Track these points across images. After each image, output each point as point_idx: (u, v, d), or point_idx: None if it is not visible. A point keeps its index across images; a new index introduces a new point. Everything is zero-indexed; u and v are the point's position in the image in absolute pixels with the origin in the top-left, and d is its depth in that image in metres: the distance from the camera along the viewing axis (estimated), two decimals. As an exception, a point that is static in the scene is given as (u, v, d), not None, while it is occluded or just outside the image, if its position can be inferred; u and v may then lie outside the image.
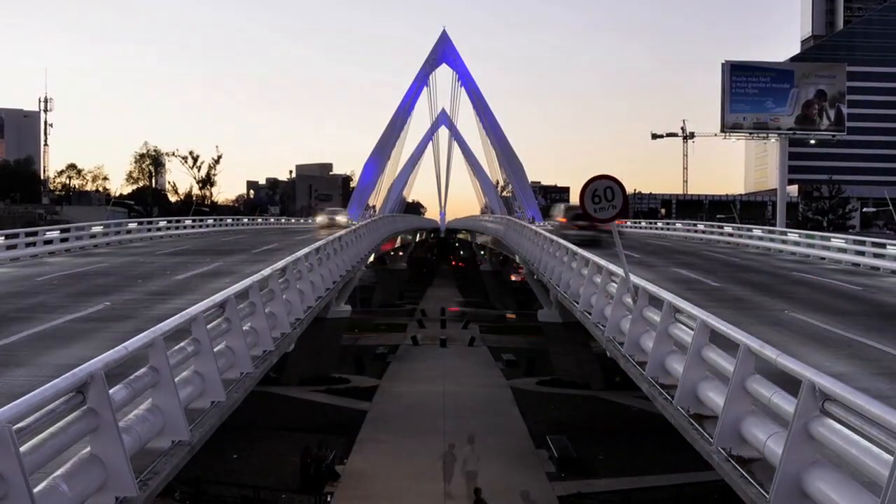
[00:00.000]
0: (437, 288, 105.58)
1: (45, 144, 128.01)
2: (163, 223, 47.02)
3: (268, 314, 14.63)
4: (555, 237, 27.79)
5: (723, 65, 70.50)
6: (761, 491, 7.76)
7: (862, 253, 29.71)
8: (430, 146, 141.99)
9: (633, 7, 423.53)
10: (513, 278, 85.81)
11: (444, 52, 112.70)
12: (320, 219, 60.27)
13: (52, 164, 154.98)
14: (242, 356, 12.39)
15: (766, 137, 73.48)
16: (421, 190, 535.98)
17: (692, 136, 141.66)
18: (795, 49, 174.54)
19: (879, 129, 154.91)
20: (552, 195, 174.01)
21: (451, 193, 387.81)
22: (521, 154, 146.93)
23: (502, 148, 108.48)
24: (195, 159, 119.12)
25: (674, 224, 58.17)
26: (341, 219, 57.21)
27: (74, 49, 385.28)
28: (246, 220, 69.60)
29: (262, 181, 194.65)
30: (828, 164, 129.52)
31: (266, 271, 15.70)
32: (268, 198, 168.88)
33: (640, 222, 65.66)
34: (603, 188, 13.52)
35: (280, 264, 17.19)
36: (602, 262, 18.10)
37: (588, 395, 37.04)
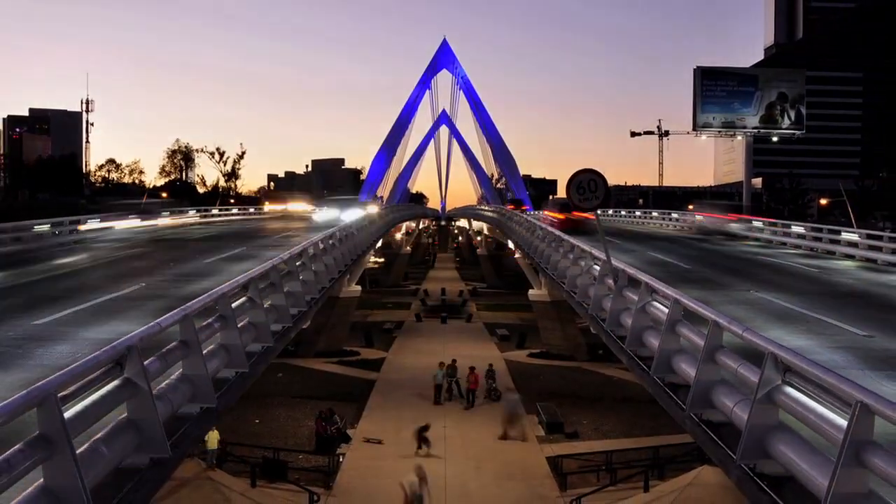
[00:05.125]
0: (438, 270, 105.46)
1: (87, 141, 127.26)
2: (192, 212, 46.85)
3: (286, 293, 14.59)
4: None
5: (694, 70, 70.30)
6: (729, 452, 7.75)
7: (819, 239, 29.66)
8: (431, 143, 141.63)
9: (614, 18, 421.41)
10: (507, 257, 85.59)
11: (444, 58, 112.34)
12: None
13: (93, 159, 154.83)
14: (264, 331, 12.36)
15: (733, 135, 73.21)
16: (423, 181, 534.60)
17: (667, 134, 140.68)
18: (760, 55, 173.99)
19: (835, 128, 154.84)
20: (542, 187, 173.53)
21: (450, 185, 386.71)
22: (514, 149, 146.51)
23: (497, 144, 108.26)
24: (221, 154, 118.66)
25: (650, 213, 58.02)
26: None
27: (113, 55, 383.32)
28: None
29: (282, 174, 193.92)
30: (789, 160, 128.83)
31: (284, 255, 15.66)
32: (286, 189, 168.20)
33: (620, 211, 65.50)
34: (587, 180, 13.56)
35: (297, 249, 17.13)
36: (586, 246, 18.05)
37: (574, 367, 37.10)
